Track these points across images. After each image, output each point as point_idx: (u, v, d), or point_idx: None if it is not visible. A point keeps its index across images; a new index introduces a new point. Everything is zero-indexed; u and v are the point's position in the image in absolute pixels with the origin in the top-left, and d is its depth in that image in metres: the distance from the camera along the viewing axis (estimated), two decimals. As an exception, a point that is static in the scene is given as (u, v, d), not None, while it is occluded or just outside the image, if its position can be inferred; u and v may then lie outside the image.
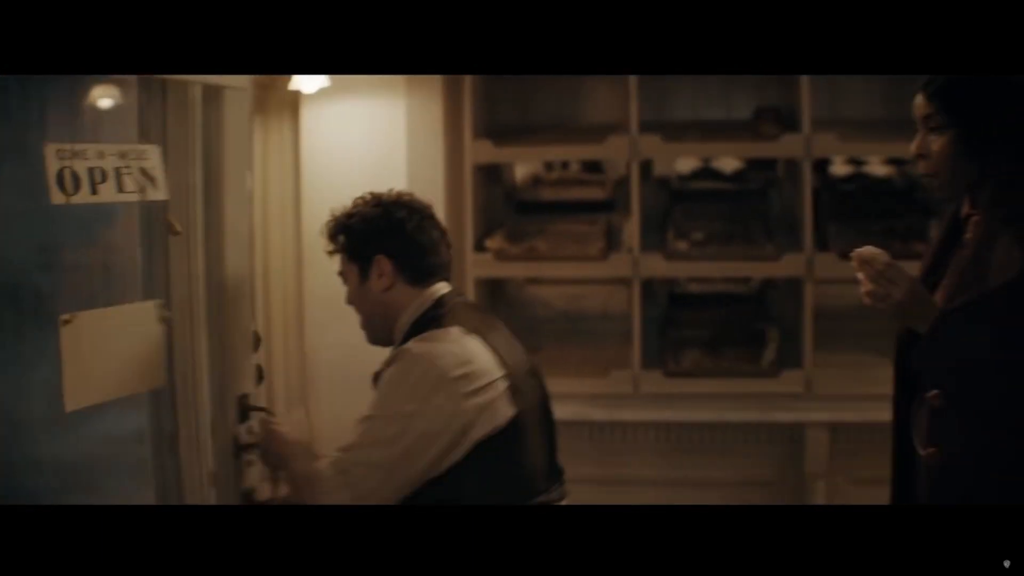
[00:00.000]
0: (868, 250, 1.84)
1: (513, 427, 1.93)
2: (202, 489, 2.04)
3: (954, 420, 1.80)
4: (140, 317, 1.89)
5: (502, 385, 1.94)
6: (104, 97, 1.97)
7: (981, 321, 1.76)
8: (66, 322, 1.72)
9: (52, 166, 1.68)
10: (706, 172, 4.43)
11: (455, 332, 1.96)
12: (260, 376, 2.24)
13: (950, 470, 1.81)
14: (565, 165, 4.44)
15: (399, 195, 2.11)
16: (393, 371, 1.94)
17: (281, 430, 2.10)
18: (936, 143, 1.84)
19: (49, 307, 1.82)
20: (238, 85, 2.16)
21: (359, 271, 2.07)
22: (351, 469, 1.89)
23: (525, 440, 1.97)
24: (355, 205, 2.10)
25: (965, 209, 1.91)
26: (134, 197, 1.83)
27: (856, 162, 4.39)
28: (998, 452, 1.76)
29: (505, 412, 1.93)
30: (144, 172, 1.84)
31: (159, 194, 1.87)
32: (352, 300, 2.11)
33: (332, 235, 2.10)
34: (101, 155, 1.77)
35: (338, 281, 2.13)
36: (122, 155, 1.81)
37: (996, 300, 1.76)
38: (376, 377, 2.01)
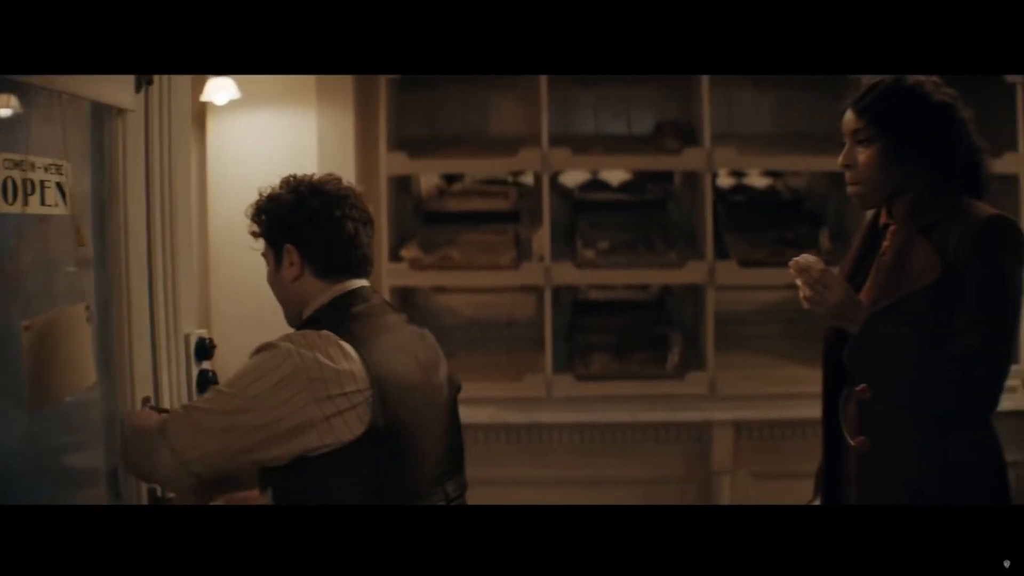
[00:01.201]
0: (805, 258, 1.98)
1: (373, 438, 1.88)
2: (106, 489, 2.05)
3: (881, 411, 1.97)
4: (76, 319, 1.91)
5: (366, 398, 1.88)
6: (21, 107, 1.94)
7: (905, 321, 1.93)
8: (27, 328, 1.73)
9: (-1, 175, 1.69)
10: (597, 184, 4.54)
11: (329, 337, 1.90)
12: (213, 382, 2.25)
13: (878, 456, 1.97)
14: (462, 177, 4.49)
15: (320, 181, 2.05)
16: (257, 357, 1.92)
17: (148, 412, 2.06)
18: (863, 155, 2.00)
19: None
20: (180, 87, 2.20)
21: (274, 257, 2.05)
22: (172, 423, 1.89)
23: (391, 450, 1.91)
24: (279, 187, 2.05)
25: (883, 219, 2.08)
26: (55, 210, 1.85)
27: (738, 174, 4.60)
28: (921, 439, 1.93)
29: (361, 425, 1.87)
30: (59, 186, 1.86)
31: (68, 208, 1.89)
32: (269, 282, 2.09)
33: (253, 216, 2.06)
34: (32, 167, 1.79)
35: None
36: (46, 168, 1.83)
37: (919, 302, 1.92)
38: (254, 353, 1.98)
